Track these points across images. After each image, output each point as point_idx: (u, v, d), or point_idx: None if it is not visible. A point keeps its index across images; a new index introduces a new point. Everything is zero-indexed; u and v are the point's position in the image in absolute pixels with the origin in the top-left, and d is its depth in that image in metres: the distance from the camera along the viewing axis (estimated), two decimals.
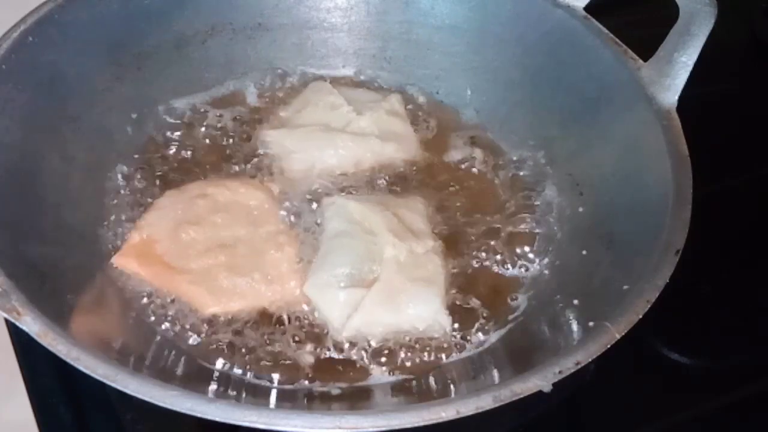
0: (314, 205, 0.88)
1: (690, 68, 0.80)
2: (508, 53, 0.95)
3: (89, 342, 0.63)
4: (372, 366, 0.76)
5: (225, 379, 0.74)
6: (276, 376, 0.75)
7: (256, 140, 0.94)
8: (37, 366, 0.77)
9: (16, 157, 0.76)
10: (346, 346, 0.77)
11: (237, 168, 0.92)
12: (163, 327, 0.78)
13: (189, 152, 0.93)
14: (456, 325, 0.80)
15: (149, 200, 0.86)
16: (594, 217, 0.84)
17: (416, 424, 0.57)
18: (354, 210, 0.84)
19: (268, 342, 0.77)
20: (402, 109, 0.98)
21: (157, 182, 0.89)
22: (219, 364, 0.75)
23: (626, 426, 0.79)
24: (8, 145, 0.76)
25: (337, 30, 1.02)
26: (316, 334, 0.78)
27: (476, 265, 0.85)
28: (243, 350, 0.76)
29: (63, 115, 0.84)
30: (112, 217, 0.85)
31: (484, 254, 0.86)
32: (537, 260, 0.85)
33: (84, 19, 0.85)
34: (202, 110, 0.97)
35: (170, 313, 0.78)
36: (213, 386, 0.72)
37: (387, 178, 0.92)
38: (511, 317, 0.81)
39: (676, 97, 0.80)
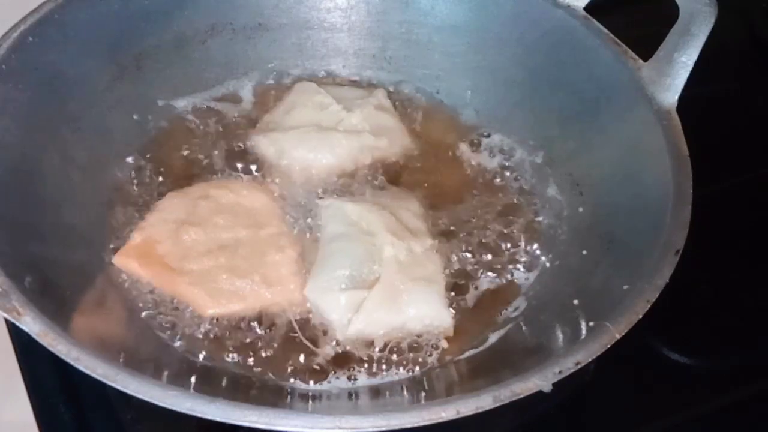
0: (314, 207, 0.88)
1: (690, 68, 0.80)
2: (508, 53, 0.95)
3: (89, 342, 0.63)
4: (373, 366, 0.76)
5: (224, 380, 0.74)
6: (276, 378, 0.75)
7: (251, 146, 0.93)
8: (37, 366, 0.77)
9: (16, 157, 0.76)
10: (348, 347, 0.78)
11: (237, 169, 0.92)
12: (163, 327, 0.78)
13: (190, 153, 0.93)
14: (456, 324, 0.79)
15: (150, 201, 0.86)
16: (594, 217, 0.84)
17: (416, 424, 0.57)
18: (351, 211, 0.84)
19: (268, 344, 0.77)
20: (389, 103, 0.98)
21: (158, 183, 0.89)
22: (218, 364, 0.75)
23: (626, 426, 0.79)
24: (8, 145, 0.76)
25: (337, 30, 1.02)
26: (318, 336, 0.78)
27: (475, 265, 0.85)
28: (243, 352, 0.76)
29: (63, 115, 0.84)
30: (113, 218, 0.85)
31: (483, 253, 0.86)
32: (537, 260, 0.85)
33: (84, 19, 0.85)
34: (203, 110, 0.97)
35: (170, 313, 0.79)
36: (212, 387, 0.72)
37: (384, 174, 0.93)
38: (511, 317, 0.81)
39: (676, 97, 0.80)
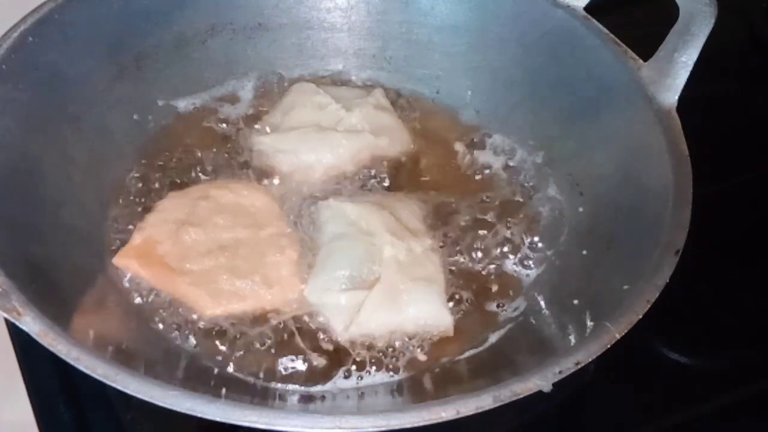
0: (314, 207, 0.88)
1: (690, 68, 0.80)
2: (508, 53, 0.95)
3: (89, 342, 0.63)
4: (373, 366, 0.76)
5: (224, 380, 0.74)
6: (276, 378, 0.75)
7: (250, 146, 0.93)
8: (37, 366, 0.78)
9: (16, 157, 0.76)
10: (348, 347, 0.78)
11: (237, 170, 0.92)
12: (163, 328, 0.78)
13: (190, 153, 0.93)
14: (456, 324, 0.79)
15: (150, 201, 0.86)
16: (594, 217, 0.84)
17: (416, 424, 0.57)
18: (350, 212, 0.84)
19: (268, 344, 0.77)
20: (387, 103, 0.98)
21: (158, 183, 0.89)
22: (218, 365, 0.75)
23: (626, 426, 0.79)
24: (8, 145, 0.76)
25: (337, 30, 1.02)
26: (318, 336, 0.78)
27: (475, 265, 0.85)
28: (243, 352, 0.76)
29: (63, 115, 0.84)
30: (113, 218, 0.85)
31: (483, 254, 0.86)
32: (537, 260, 0.85)
33: (84, 19, 0.85)
34: (203, 110, 0.97)
35: (170, 314, 0.79)
36: (212, 387, 0.72)
37: (384, 174, 0.93)
38: (511, 317, 0.81)
39: (676, 97, 0.80)
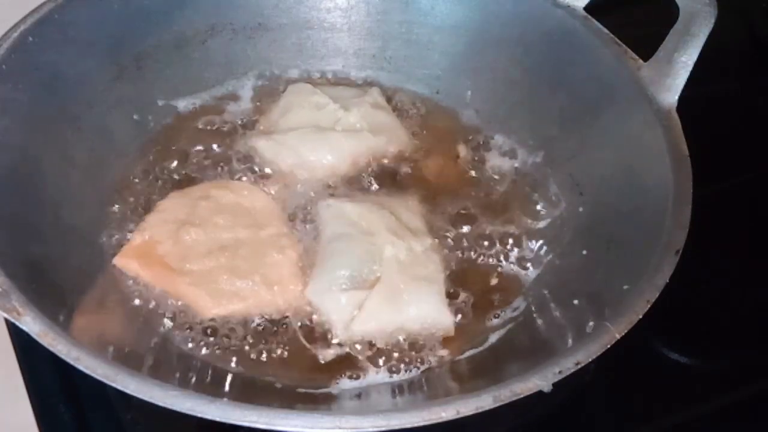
0: (314, 207, 0.88)
1: (690, 68, 0.80)
2: (508, 53, 0.95)
3: (89, 342, 0.63)
4: (374, 366, 0.76)
5: (224, 380, 0.74)
6: (276, 378, 0.75)
7: (250, 147, 0.93)
8: (37, 366, 0.77)
9: (16, 157, 0.76)
10: (348, 347, 0.77)
11: (237, 170, 0.92)
12: (163, 328, 0.78)
13: (190, 153, 0.93)
14: (456, 324, 0.79)
15: (150, 201, 0.86)
16: (594, 217, 0.84)
17: (416, 424, 0.57)
18: (351, 211, 0.84)
19: (268, 344, 0.77)
20: (384, 101, 0.98)
21: (158, 183, 0.89)
22: (218, 365, 0.75)
23: (626, 426, 0.79)
24: (8, 145, 0.76)
25: (337, 30, 1.02)
26: (318, 336, 0.78)
27: (475, 265, 0.85)
28: (243, 352, 0.76)
29: (63, 115, 0.84)
30: (113, 218, 0.85)
31: (483, 253, 0.86)
32: (537, 260, 0.85)
33: (84, 19, 0.85)
34: (203, 110, 0.97)
35: (170, 314, 0.78)
36: (212, 387, 0.72)
37: (384, 173, 0.93)
38: (510, 317, 0.81)
39: (676, 97, 0.80)
